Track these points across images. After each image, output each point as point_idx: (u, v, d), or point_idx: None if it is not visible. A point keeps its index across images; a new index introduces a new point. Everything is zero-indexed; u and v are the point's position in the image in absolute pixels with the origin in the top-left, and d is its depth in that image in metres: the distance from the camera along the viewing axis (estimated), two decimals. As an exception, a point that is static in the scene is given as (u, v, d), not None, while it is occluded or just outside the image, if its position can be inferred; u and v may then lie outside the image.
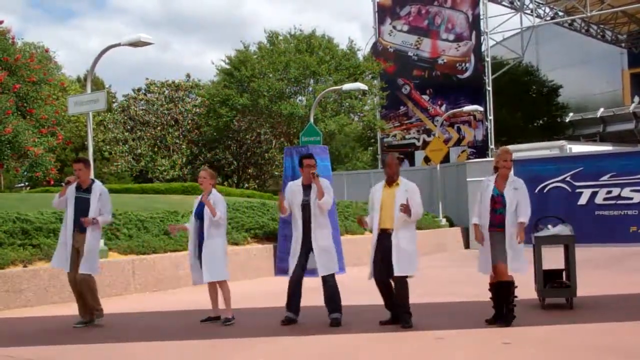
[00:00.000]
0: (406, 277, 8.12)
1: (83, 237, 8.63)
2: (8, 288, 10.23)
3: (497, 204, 8.12)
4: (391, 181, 8.32)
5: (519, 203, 8.07)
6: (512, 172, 8.34)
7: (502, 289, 8.14)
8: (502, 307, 8.19)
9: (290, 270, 8.57)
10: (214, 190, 8.95)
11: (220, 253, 8.82)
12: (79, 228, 8.62)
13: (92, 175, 9.46)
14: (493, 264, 8.11)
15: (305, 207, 8.49)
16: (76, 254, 8.64)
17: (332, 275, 8.53)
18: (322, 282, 8.53)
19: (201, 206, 8.87)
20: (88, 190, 8.79)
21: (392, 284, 8.21)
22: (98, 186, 8.92)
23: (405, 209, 8.01)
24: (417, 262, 8.26)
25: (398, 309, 8.16)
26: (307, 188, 8.58)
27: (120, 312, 9.82)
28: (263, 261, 14.31)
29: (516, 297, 8.15)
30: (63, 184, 8.84)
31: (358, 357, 6.95)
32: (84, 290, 8.73)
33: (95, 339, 8.07)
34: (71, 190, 8.76)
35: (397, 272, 8.03)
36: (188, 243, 9.15)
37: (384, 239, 8.18)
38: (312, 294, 8.77)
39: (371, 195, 8.46)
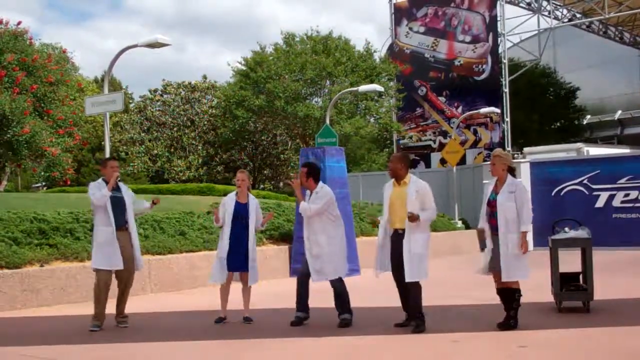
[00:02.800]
0: (417, 282, 8.07)
1: (125, 235, 8.68)
2: (25, 287, 10.30)
3: (493, 207, 8.05)
4: (397, 178, 8.22)
5: (518, 209, 7.91)
6: (509, 175, 8.10)
7: (502, 294, 8.09)
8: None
9: (298, 270, 8.72)
10: (250, 194, 9.02)
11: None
12: (120, 227, 8.63)
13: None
14: (491, 269, 8.07)
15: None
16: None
17: (339, 279, 8.56)
18: (330, 285, 8.59)
19: (241, 207, 8.89)
20: (118, 189, 8.82)
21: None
22: (122, 184, 8.99)
23: (413, 218, 7.91)
24: (427, 267, 8.16)
25: (411, 312, 8.11)
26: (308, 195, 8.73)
27: (136, 312, 9.85)
28: (278, 262, 14.33)
29: (519, 305, 8.00)
30: (103, 180, 8.70)
31: (373, 359, 6.94)
32: (128, 291, 8.83)
33: (112, 338, 8.11)
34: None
35: (407, 279, 7.96)
36: (220, 241, 9.01)
37: (395, 239, 8.11)
38: (323, 295, 8.77)
39: (383, 193, 8.40)
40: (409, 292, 8.09)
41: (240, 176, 9.05)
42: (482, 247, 8.30)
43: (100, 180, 8.84)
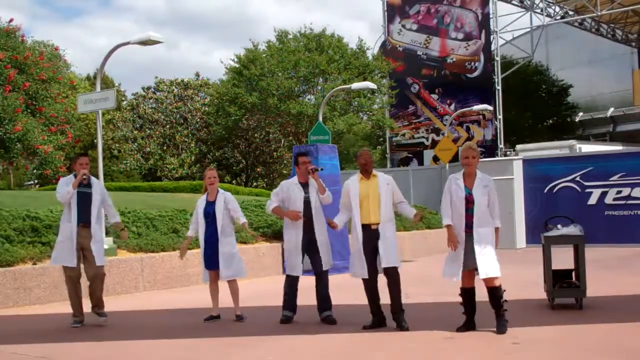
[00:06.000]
0: (397, 268, 8.02)
1: (88, 232, 8.59)
2: (18, 285, 10.27)
3: (470, 203, 7.69)
4: (367, 172, 8.15)
5: (492, 204, 7.68)
6: (479, 169, 7.88)
7: (471, 296, 7.86)
8: (473, 314, 7.88)
9: (292, 269, 8.62)
10: (220, 190, 8.99)
11: (236, 251, 8.94)
12: (83, 223, 8.57)
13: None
14: (466, 269, 7.75)
15: (306, 204, 8.54)
16: (79, 250, 8.59)
17: (327, 274, 8.59)
18: (317, 280, 8.58)
19: (211, 206, 8.88)
20: (89, 184, 8.75)
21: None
22: (96, 180, 8.92)
23: (420, 219, 8.08)
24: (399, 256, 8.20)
25: (394, 307, 7.98)
26: (304, 185, 8.65)
27: (129, 310, 9.84)
28: (271, 260, 14.32)
29: (505, 301, 7.76)
30: (74, 176, 8.64)
31: (368, 356, 6.94)
32: (98, 286, 8.71)
33: (104, 336, 8.10)
34: None
35: (388, 264, 7.89)
36: (200, 242, 9.08)
37: (370, 235, 7.98)
38: (308, 292, 8.79)
39: (345, 190, 8.20)
40: (389, 284, 7.97)
41: (211, 173, 9.07)
42: (455, 245, 7.74)
43: (71, 175, 8.78)
